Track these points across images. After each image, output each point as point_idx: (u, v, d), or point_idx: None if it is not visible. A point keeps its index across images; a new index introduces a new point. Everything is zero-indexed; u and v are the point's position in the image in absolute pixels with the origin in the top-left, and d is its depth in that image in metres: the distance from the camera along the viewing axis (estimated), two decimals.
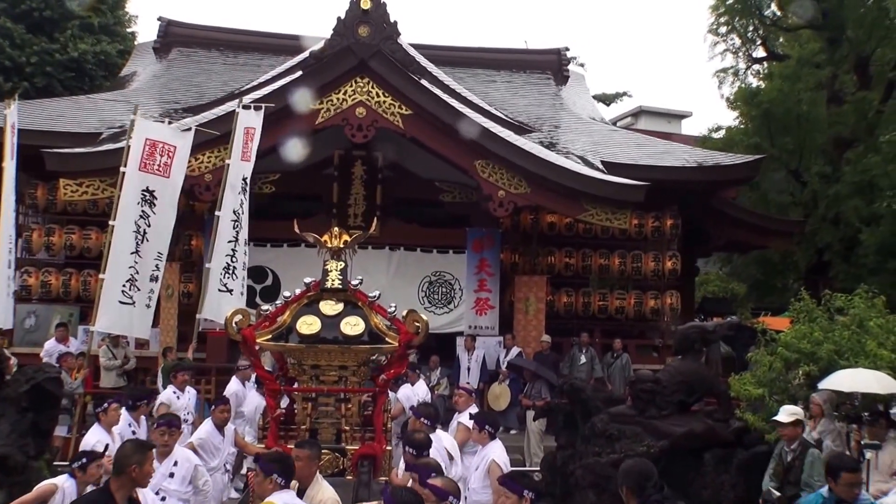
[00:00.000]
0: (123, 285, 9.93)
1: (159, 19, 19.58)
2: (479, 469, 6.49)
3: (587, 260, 14.81)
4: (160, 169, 10.34)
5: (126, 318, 10.03)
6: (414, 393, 9.35)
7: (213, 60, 18.81)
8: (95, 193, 12.25)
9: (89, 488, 5.29)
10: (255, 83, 14.90)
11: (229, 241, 10.57)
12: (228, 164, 10.69)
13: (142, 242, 10.19)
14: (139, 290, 10.08)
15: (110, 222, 10.05)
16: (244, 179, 10.89)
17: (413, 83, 12.62)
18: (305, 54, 14.05)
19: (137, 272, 10.09)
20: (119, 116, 14.58)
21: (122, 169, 10.08)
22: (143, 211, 10.18)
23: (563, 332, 14.47)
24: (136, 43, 22.01)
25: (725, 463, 7.32)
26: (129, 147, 10.13)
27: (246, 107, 11.06)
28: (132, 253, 10.04)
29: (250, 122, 11.00)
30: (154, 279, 10.26)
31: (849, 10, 21.05)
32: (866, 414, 6.99)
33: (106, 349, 12.08)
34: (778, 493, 6.64)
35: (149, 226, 10.25)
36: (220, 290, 10.38)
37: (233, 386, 9.68)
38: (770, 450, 7.49)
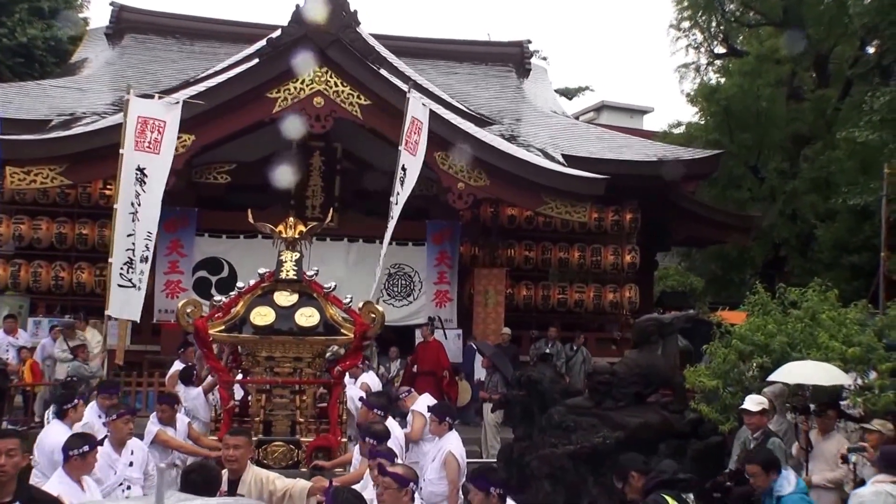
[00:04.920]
0: (121, 268, 9.91)
1: (111, 4, 19.03)
2: (436, 460, 6.49)
3: (547, 253, 14.83)
4: (151, 146, 10.26)
5: (125, 301, 10.03)
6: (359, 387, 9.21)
7: (168, 48, 18.41)
8: (44, 182, 11.90)
9: None
10: (211, 71, 14.62)
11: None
12: (400, 150, 10.77)
13: (134, 223, 10.14)
14: (134, 272, 10.03)
15: (114, 206, 10.07)
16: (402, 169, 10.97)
17: (372, 73, 12.48)
18: (262, 42, 13.81)
19: (134, 254, 10.04)
20: (69, 103, 14.22)
21: (120, 151, 10.03)
22: (135, 191, 10.12)
23: (523, 326, 14.49)
24: (87, 28, 21.46)
25: (680, 453, 7.36)
26: (125, 127, 10.01)
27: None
28: (129, 235, 9.99)
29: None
30: (144, 259, 10.24)
31: (808, 8, 21.38)
32: (814, 405, 7.07)
33: (61, 340, 11.79)
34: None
35: (140, 205, 10.16)
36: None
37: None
38: (724, 440, 7.56)
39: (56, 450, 6.16)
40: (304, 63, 11.91)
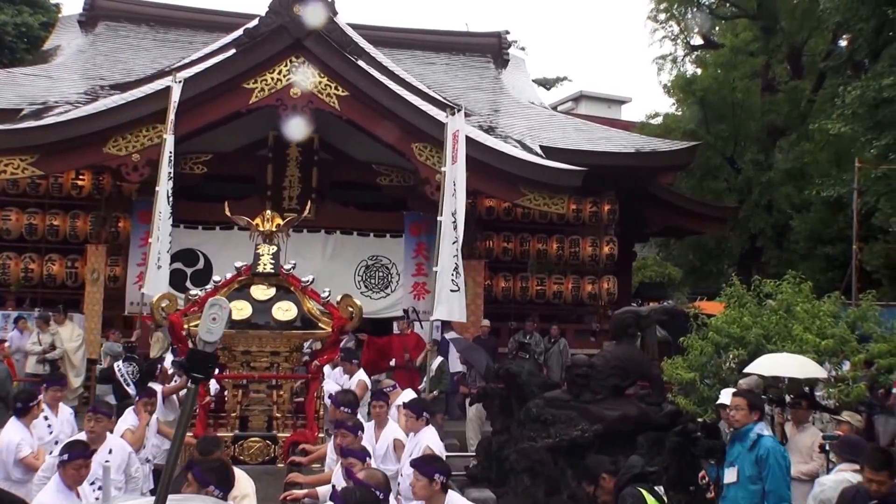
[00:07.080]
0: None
1: None
2: (414, 455, 6.43)
3: (525, 244, 14.80)
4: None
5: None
6: (356, 385, 9.19)
7: (142, 36, 18.14)
8: (15, 173, 11.67)
9: None
10: (186, 61, 14.42)
11: (453, 243, 10.11)
12: (444, 171, 10.16)
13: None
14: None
15: (157, 188, 10.80)
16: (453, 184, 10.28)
17: (349, 64, 12.37)
18: (239, 32, 13.65)
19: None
20: (41, 92, 13.95)
21: (164, 136, 10.78)
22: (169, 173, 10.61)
23: (501, 317, 14.47)
24: (60, 15, 21.08)
25: (658, 446, 7.40)
26: (169, 113, 10.63)
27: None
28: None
29: None
30: None
31: (781, 1, 21.54)
32: (789, 397, 7.14)
33: (35, 334, 11.62)
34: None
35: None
36: (451, 291, 9.98)
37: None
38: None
39: (4, 450, 6.02)
40: (281, 54, 11.79)
